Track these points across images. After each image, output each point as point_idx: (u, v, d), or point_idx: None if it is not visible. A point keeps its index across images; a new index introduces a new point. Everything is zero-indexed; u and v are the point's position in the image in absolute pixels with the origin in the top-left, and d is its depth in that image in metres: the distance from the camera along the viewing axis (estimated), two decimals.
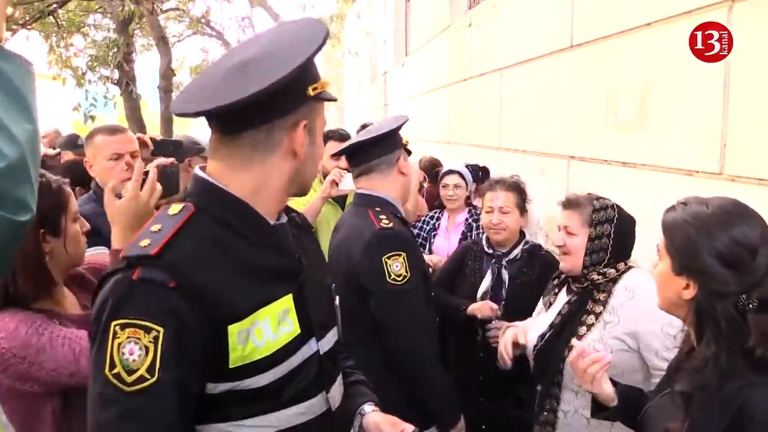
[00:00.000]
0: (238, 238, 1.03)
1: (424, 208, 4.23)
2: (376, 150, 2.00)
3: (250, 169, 1.04)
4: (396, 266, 1.87)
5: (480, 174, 4.28)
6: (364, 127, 4.17)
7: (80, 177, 3.01)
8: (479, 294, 2.59)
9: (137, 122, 5.09)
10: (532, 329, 2.05)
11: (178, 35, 10.61)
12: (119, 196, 1.66)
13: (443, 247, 3.43)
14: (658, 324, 1.66)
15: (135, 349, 0.88)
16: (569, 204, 1.97)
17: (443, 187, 3.46)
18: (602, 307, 1.83)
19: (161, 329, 0.89)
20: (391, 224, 1.92)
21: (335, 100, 1.18)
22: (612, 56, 2.64)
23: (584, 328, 1.85)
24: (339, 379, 1.21)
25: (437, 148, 6.03)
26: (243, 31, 6.84)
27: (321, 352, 1.12)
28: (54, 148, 4.34)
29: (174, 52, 8.66)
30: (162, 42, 4.88)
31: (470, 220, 3.41)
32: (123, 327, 0.89)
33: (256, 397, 0.99)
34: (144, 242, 0.95)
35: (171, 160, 1.86)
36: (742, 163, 1.86)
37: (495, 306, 2.44)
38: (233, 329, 0.95)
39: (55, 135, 5.74)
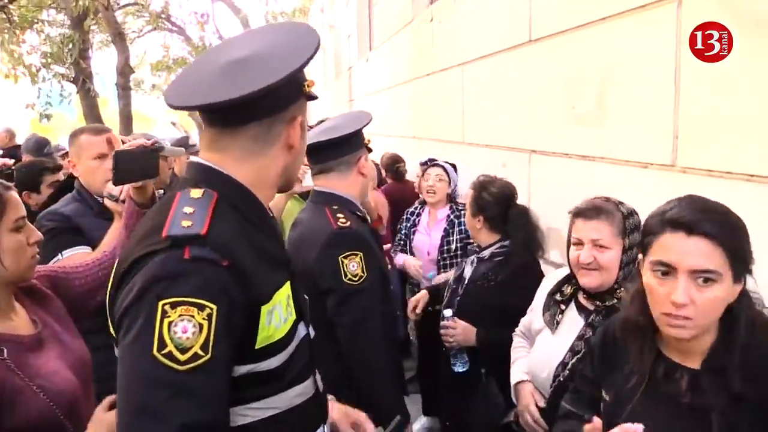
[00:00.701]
0: (250, 225, 1.06)
1: (383, 205, 4.24)
2: (336, 150, 1.99)
3: (251, 160, 1.07)
4: (353, 266, 1.87)
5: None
6: (320, 122, 4.15)
7: (33, 180, 2.94)
8: (442, 281, 2.66)
9: (95, 120, 4.96)
10: (537, 354, 1.86)
11: (137, 31, 10.40)
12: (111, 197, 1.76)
13: (424, 243, 3.40)
14: None
15: (188, 327, 0.88)
16: (594, 213, 1.74)
17: (424, 179, 3.43)
18: None
19: (215, 306, 0.89)
20: (349, 223, 1.92)
21: (317, 98, 1.23)
22: (570, 51, 2.67)
23: None
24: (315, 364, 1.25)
25: (402, 143, 6.04)
26: (203, 27, 6.75)
27: (311, 336, 1.19)
28: (3, 149, 4.22)
29: (134, 48, 8.50)
30: (119, 38, 4.77)
31: (452, 217, 3.37)
32: (174, 306, 0.88)
33: (268, 379, 1.03)
34: (186, 222, 0.95)
35: (153, 140, 1.85)
36: (692, 155, 1.91)
37: (419, 265, 2.48)
38: (264, 309, 0.99)
39: (5, 135, 5.54)
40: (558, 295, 1.86)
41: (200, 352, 0.88)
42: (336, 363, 1.86)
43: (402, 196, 4.49)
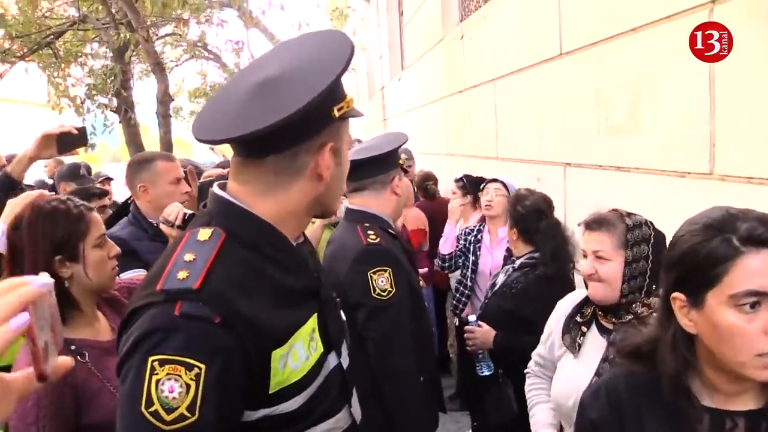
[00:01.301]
0: (268, 261, 1.01)
1: (423, 221, 4.23)
2: (371, 169, 2.03)
3: (273, 193, 1.01)
4: (381, 281, 1.89)
5: (479, 185, 4.30)
6: (356, 142, 4.19)
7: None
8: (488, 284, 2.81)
9: (137, 148, 5.14)
10: (561, 381, 1.78)
11: (175, 59, 10.73)
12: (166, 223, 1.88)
13: (486, 263, 3.35)
14: None
15: (175, 387, 0.85)
16: (596, 224, 1.72)
17: (483, 194, 3.39)
18: None
19: (203, 366, 0.86)
20: (378, 240, 1.95)
21: (362, 115, 1.16)
22: (600, 62, 2.66)
23: None
24: (355, 391, 1.20)
25: (436, 160, 6.06)
26: (238, 54, 6.92)
27: (344, 366, 1.13)
28: (52, 177, 4.36)
29: (172, 77, 8.75)
30: (158, 68, 4.93)
31: None
32: (162, 363, 0.85)
33: (290, 421, 0.98)
34: (182, 274, 0.92)
35: (189, 166, 2.03)
36: (730, 162, 1.88)
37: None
38: (276, 354, 0.94)
39: (55, 164, 5.77)
40: (579, 316, 1.78)
41: (186, 413, 0.84)
42: (366, 376, 1.88)
43: (433, 215, 4.47)
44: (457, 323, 3.51)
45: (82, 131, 2.28)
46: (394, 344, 1.91)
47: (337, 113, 1.00)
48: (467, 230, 3.58)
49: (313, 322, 1.05)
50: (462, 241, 3.55)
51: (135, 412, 0.85)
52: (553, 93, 3.21)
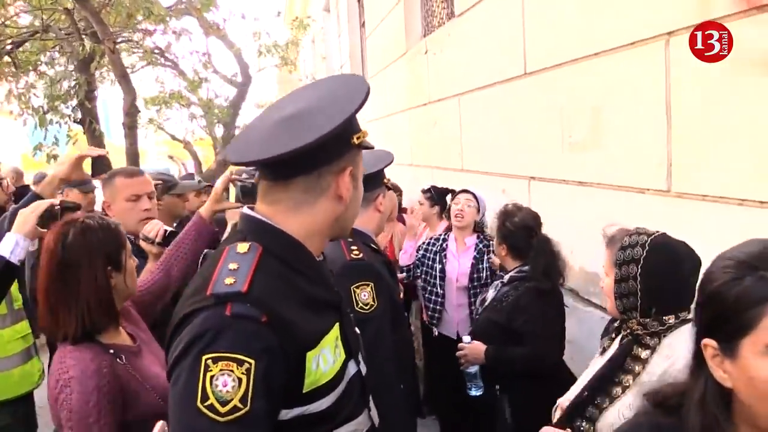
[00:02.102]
0: (297, 274, 1.11)
1: (403, 233, 4.30)
2: None
3: (301, 211, 1.13)
4: (364, 295, 1.97)
5: (445, 196, 4.42)
6: None
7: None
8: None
9: (101, 159, 5.05)
10: (584, 376, 1.79)
11: (130, 66, 10.54)
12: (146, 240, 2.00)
13: (453, 270, 3.43)
14: None
15: (228, 381, 0.93)
16: (607, 241, 1.73)
17: (454, 203, 3.47)
18: (642, 367, 1.51)
19: (253, 361, 0.94)
20: (361, 255, 2.03)
21: (372, 147, 1.28)
22: (564, 83, 2.82)
23: (619, 389, 1.53)
24: (371, 398, 1.29)
25: (400, 171, 6.17)
26: (206, 66, 6.87)
27: (362, 373, 1.23)
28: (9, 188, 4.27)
29: None
30: (124, 80, 4.89)
31: (481, 246, 3.40)
32: (215, 360, 0.94)
33: (319, 420, 1.07)
34: (229, 280, 1.01)
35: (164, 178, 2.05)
36: (686, 181, 2.04)
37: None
38: (310, 356, 1.03)
39: (13, 175, 5.65)
40: (615, 322, 1.77)
41: (239, 405, 0.93)
42: None
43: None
44: (436, 334, 3.56)
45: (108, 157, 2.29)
46: (376, 357, 1.98)
47: (356, 141, 1.14)
48: (432, 240, 3.66)
49: (336, 330, 1.14)
50: (423, 251, 3.63)
51: (191, 407, 0.93)
52: (518, 110, 3.36)
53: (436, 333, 3.54)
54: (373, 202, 2.13)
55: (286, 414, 1.03)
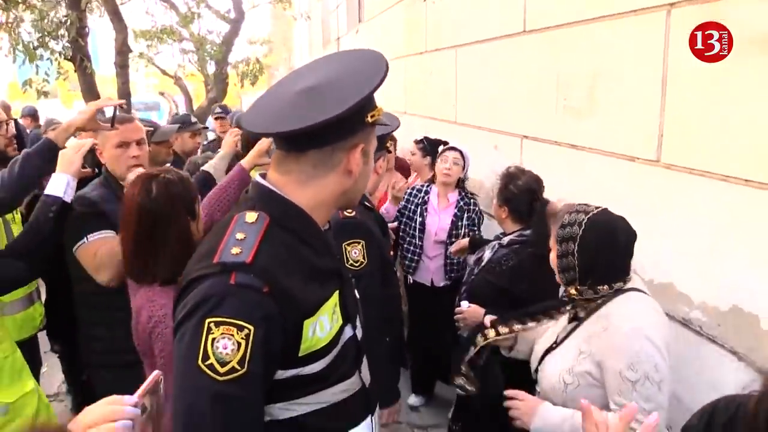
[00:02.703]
0: (302, 244, 1.16)
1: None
2: None
3: (310, 184, 1.17)
4: (354, 253, 2.05)
5: (438, 147, 4.43)
6: None
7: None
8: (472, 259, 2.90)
9: (94, 97, 4.95)
10: (545, 337, 1.92)
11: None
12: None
13: (433, 224, 3.49)
14: (620, 364, 1.53)
15: (228, 344, 1.00)
16: (552, 218, 1.86)
17: (441, 160, 3.49)
18: (578, 324, 1.73)
19: (252, 328, 1.01)
20: (353, 214, 2.09)
21: (387, 125, 1.33)
22: (562, 45, 2.81)
23: (553, 321, 1.86)
24: (365, 359, 1.36)
25: None
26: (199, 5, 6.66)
27: (358, 338, 1.29)
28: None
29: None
30: (116, 17, 4.76)
31: (461, 203, 3.46)
32: (218, 324, 1.01)
33: (313, 380, 1.14)
34: (235, 250, 1.07)
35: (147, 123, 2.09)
36: (675, 153, 2.09)
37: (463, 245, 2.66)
38: (307, 323, 1.09)
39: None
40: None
41: (237, 366, 1.00)
42: None
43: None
44: (411, 282, 3.67)
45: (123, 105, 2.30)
46: (366, 312, 2.06)
47: (370, 119, 1.16)
48: (413, 191, 3.66)
49: (335, 297, 1.20)
50: (404, 202, 3.65)
51: (192, 365, 1.01)
52: (515, 67, 3.35)
53: (411, 281, 3.66)
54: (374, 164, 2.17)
55: (281, 374, 1.10)
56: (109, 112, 2.33)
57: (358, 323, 1.33)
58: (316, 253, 1.18)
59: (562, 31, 2.81)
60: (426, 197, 3.57)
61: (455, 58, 4.36)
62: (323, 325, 1.14)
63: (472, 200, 3.50)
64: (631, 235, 1.67)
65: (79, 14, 4.44)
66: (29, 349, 2.59)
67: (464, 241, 3.21)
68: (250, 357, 1.01)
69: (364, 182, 1.26)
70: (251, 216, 1.14)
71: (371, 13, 7.52)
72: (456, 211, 3.46)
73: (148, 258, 1.74)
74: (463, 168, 3.48)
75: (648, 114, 2.19)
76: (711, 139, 1.92)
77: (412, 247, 3.58)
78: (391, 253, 2.38)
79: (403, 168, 4.59)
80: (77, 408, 2.92)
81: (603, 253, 1.64)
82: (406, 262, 3.62)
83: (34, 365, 2.66)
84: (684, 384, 2.06)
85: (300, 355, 1.10)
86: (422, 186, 3.66)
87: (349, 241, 2.07)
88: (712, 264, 1.95)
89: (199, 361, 1.00)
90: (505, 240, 2.68)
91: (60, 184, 2.00)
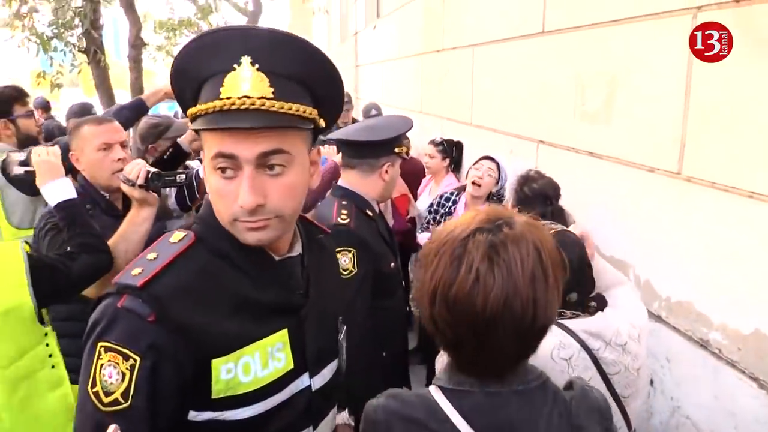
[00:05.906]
0: (235, 270, 1.03)
1: (400, 185, 4.22)
2: (360, 151, 2.07)
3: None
4: (344, 260, 1.97)
5: (453, 149, 4.34)
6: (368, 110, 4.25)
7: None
8: None
9: (106, 90, 4.97)
10: None
11: None
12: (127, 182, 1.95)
13: None
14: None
15: (113, 373, 0.91)
16: None
17: (475, 168, 3.35)
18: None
19: (138, 359, 0.91)
20: (348, 221, 2.01)
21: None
22: (581, 47, 2.71)
23: None
24: (332, 413, 1.21)
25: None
26: None
27: (313, 389, 1.12)
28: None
29: (138, 5, 8.40)
30: (130, 10, 4.72)
31: None
32: (106, 350, 0.92)
33: (241, 428, 1.01)
34: (136, 270, 0.97)
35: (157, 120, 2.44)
36: (698, 165, 1.98)
37: None
38: (217, 363, 0.97)
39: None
40: None
41: (120, 399, 0.91)
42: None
43: (405, 174, 4.45)
44: None
45: None
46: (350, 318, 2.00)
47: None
48: (441, 201, 3.56)
49: (280, 337, 1.05)
50: (433, 213, 3.55)
51: (83, 389, 0.94)
52: (533, 69, 3.25)
53: None
54: (378, 169, 2.09)
55: (196, 416, 0.98)
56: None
57: (327, 371, 1.17)
58: (253, 283, 1.04)
59: (581, 32, 2.70)
60: (453, 207, 3.45)
61: (472, 57, 4.26)
62: (249, 368, 1.00)
63: None
64: (581, 255, 1.63)
65: (94, 5, 4.40)
66: None
67: None
68: (134, 391, 0.91)
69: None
70: (177, 235, 1.04)
71: (389, 8, 7.44)
72: None
73: None
74: (497, 181, 3.32)
75: (670, 123, 2.08)
76: (737, 153, 1.81)
77: None
78: (394, 265, 2.25)
79: (416, 168, 4.50)
80: None
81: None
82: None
83: None
84: (701, 409, 1.96)
85: (214, 398, 0.97)
86: (450, 194, 3.55)
87: (339, 248, 1.99)
88: (734, 284, 1.85)
89: (89, 387, 0.93)
90: None
91: (64, 189, 1.91)
